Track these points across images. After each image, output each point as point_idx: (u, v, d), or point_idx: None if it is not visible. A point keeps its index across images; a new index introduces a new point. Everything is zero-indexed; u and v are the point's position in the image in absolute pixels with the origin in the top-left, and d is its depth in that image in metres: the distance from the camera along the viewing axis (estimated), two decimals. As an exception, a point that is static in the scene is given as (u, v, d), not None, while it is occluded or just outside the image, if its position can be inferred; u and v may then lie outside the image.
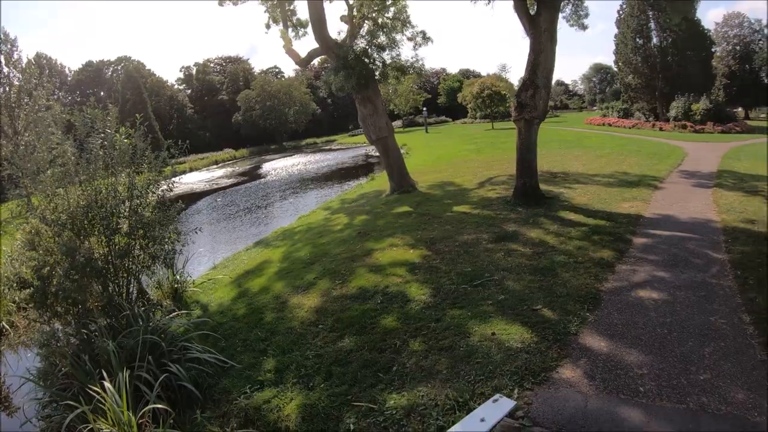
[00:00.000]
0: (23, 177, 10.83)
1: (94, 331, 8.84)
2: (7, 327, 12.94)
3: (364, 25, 23.33)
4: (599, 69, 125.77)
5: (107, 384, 7.00)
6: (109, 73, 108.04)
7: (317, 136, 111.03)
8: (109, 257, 10.07)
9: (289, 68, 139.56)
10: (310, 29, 23.00)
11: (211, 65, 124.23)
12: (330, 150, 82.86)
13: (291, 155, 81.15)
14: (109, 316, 9.46)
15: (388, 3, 23.24)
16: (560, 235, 13.21)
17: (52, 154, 10.73)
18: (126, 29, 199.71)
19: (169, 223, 11.38)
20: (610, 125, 58.56)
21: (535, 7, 17.34)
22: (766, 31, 71.38)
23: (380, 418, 6.59)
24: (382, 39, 22.92)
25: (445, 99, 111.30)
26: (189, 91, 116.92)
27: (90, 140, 10.49)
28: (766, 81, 73.15)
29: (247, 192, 41.44)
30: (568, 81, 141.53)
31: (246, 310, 11.19)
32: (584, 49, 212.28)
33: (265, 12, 25.26)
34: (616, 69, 67.46)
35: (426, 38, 24.17)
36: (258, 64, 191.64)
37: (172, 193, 11.79)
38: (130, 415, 6.77)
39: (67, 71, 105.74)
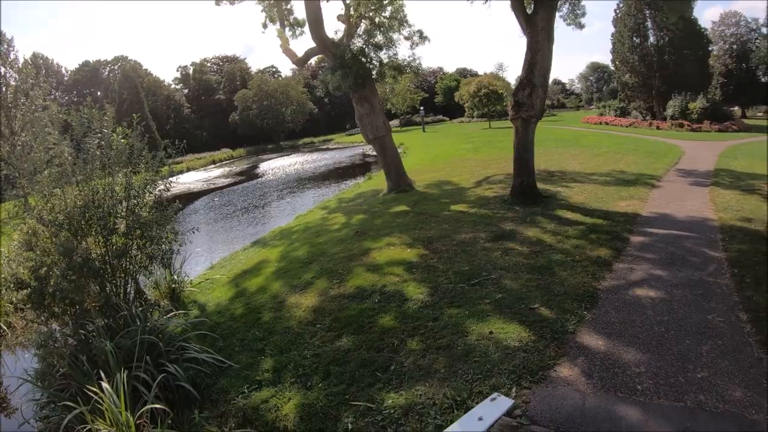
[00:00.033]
0: (20, 177, 10.79)
1: (91, 332, 8.82)
2: (5, 328, 12.91)
3: (361, 24, 23.31)
4: (596, 68, 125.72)
5: (105, 384, 6.99)
6: (106, 73, 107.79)
7: (314, 135, 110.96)
8: (107, 257, 10.05)
9: (286, 68, 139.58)
10: (307, 29, 23.01)
11: (208, 65, 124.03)
12: (327, 149, 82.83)
13: (288, 155, 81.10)
14: (107, 316, 9.43)
15: (384, 2, 23.20)
16: (557, 234, 13.22)
17: (49, 155, 10.72)
18: (123, 29, 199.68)
19: (167, 223, 11.34)
20: (607, 124, 58.64)
21: (532, 6, 17.33)
22: (763, 29, 71.48)
23: (378, 418, 6.59)
24: (379, 38, 22.91)
25: (442, 98, 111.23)
26: (186, 91, 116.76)
27: (87, 140, 10.45)
28: (762, 80, 73.24)
29: (245, 192, 41.43)
30: (565, 80, 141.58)
31: (243, 310, 11.19)
32: (581, 48, 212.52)
33: (261, 11, 25.25)
34: (613, 68, 67.46)
35: (423, 37, 24.16)
36: (255, 64, 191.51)
37: (169, 193, 11.76)
38: (128, 415, 6.76)
39: (63, 71, 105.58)
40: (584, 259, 11.23)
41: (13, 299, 11.40)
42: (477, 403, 6.27)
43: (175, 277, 13.12)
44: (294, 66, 50.04)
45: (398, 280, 11.25)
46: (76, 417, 6.91)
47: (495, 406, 5.92)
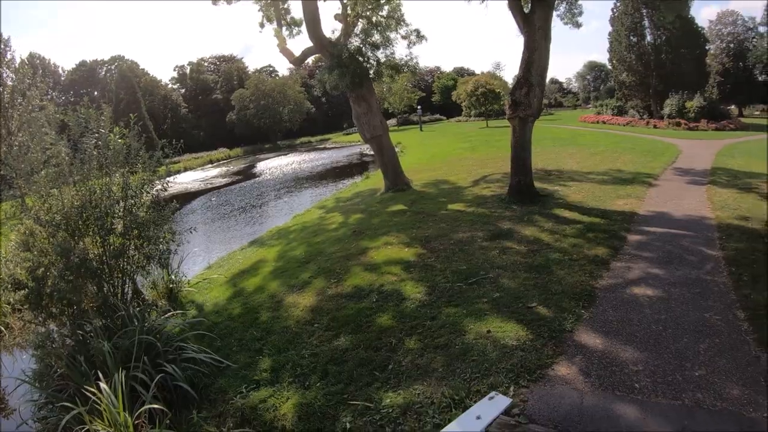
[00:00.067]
0: (17, 177, 10.79)
1: (89, 332, 8.80)
2: (3, 329, 12.90)
3: (359, 23, 23.34)
4: (593, 67, 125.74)
5: (103, 385, 6.99)
6: (103, 73, 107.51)
7: (312, 134, 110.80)
8: (104, 258, 10.03)
9: (284, 67, 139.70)
10: (304, 28, 22.97)
11: (205, 64, 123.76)
12: (325, 149, 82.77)
13: (285, 154, 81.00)
14: (105, 316, 9.41)
15: (382, 1, 23.25)
16: (555, 233, 13.23)
17: (46, 155, 10.72)
18: (120, 29, 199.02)
19: (164, 223, 11.33)
20: (604, 123, 58.71)
21: (530, 5, 17.33)
22: (759, 28, 71.59)
23: (376, 417, 6.59)
24: (377, 37, 22.94)
25: (439, 97, 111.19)
26: (183, 91, 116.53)
27: (84, 140, 10.45)
28: (759, 78, 73.39)
29: (242, 191, 41.41)
30: (562, 79, 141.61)
31: (241, 310, 11.18)
32: (578, 47, 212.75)
33: (259, 11, 25.22)
34: (610, 67, 67.75)
35: (420, 36, 24.18)
36: (252, 63, 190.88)
37: (166, 193, 11.75)
38: (126, 415, 6.76)
39: (60, 71, 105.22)
40: (582, 257, 11.24)
41: (11, 300, 11.38)
42: (475, 402, 6.28)
43: (173, 277, 13.12)
44: (291, 65, 50.16)
45: (396, 279, 11.25)
46: (75, 417, 6.92)
47: (493, 405, 5.92)
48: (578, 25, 19.43)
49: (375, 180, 28.93)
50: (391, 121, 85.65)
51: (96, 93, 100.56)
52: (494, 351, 7.61)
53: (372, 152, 28.34)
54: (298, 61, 26.76)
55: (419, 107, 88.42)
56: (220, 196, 40.54)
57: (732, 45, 73.52)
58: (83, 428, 6.77)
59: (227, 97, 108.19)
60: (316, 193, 34.70)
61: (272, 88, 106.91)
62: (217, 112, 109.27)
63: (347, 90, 22.40)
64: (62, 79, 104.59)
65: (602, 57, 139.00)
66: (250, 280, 13.33)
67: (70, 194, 10.02)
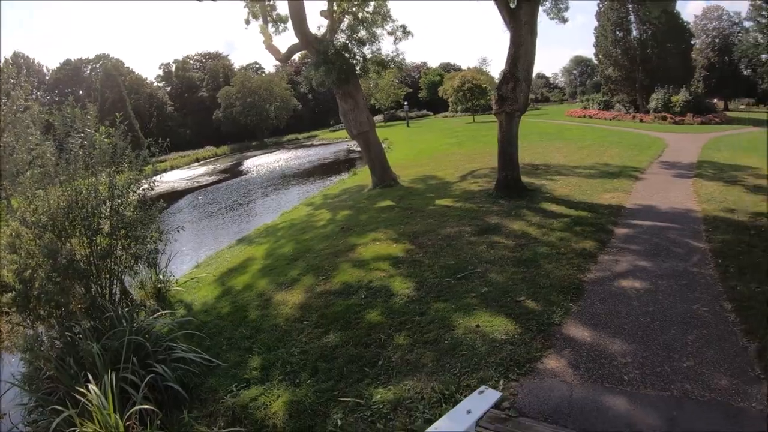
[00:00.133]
0: (2, 179, 10.68)
1: (78, 334, 8.73)
2: (-11, 331, 12.80)
3: (345, 19, 23.28)
4: (579, 62, 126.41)
5: (93, 386, 6.93)
6: (88, 72, 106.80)
7: (298, 131, 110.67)
8: (91, 258, 9.97)
9: (270, 64, 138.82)
10: (290, 24, 22.96)
11: (191, 62, 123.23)
12: (312, 145, 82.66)
13: (272, 151, 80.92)
14: (93, 317, 9.34)
15: (367, -3, 23.22)
16: (542, 227, 13.28)
17: (31, 155, 10.60)
18: (104, 27, 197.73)
19: (151, 223, 11.28)
20: (590, 117, 58.95)
21: (515, 0, 17.36)
22: (745, 23, 72.19)
23: (367, 413, 6.59)
24: (363, 33, 22.93)
25: (426, 93, 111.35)
26: (169, 89, 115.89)
27: (69, 140, 10.36)
28: (744, 73, 74.12)
29: (229, 189, 41.29)
30: (548, 74, 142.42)
31: (230, 308, 11.14)
32: (564, 42, 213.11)
33: (244, 7, 25.14)
34: (596, 61, 67.90)
35: (406, 32, 24.19)
36: (238, 61, 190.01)
37: (153, 192, 11.70)
38: (117, 417, 6.71)
39: (45, 70, 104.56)
40: (569, 251, 11.28)
41: (-2, 303, 11.30)
42: (465, 396, 6.29)
43: (161, 276, 13.06)
44: (277, 62, 49.96)
45: (384, 275, 11.24)
46: (65, 420, 6.86)
47: (483, 399, 5.93)
48: (564, 20, 19.48)
49: (362, 176, 28.89)
50: (378, 118, 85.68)
51: (81, 92, 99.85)
52: (483, 345, 7.63)
53: (359, 149, 28.30)
54: (284, 58, 26.74)
55: (406, 103, 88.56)
56: (207, 194, 40.41)
57: (717, 40, 74.33)
58: (74, 431, 6.72)
59: (213, 95, 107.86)
60: (303, 190, 34.63)
61: (258, 85, 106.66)
62: (203, 110, 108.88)
63: (334, 86, 22.33)
64: (47, 78, 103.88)
65: (588, 52, 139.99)
66: (238, 278, 13.29)
67: (56, 195, 9.94)
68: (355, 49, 22.76)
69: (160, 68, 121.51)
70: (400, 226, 14.99)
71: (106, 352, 8.01)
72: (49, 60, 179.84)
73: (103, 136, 10.61)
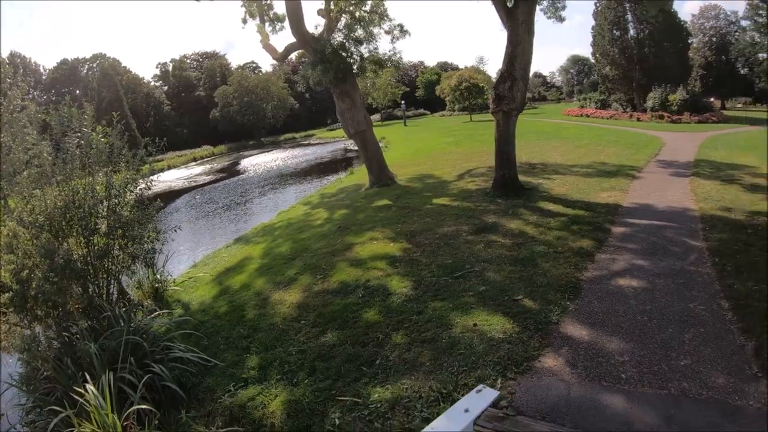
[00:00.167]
0: (-1, 179, 10.65)
1: (75, 334, 8.72)
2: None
3: (342, 18, 23.23)
4: (577, 61, 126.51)
5: (90, 387, 6.92)
6: (85, 71, 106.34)
7: (296, 131, 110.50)
8: (89, 258, 9.94)
9: (267, 63, 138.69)
10: (287, 23, 22.89)
11: (188, 61, 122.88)
12: (309, 145, 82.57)
13: (269, 151, 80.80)
14: (90, 317, 9.33)
15: (364, -4, 23.20)
16: (540, 226, 13.29)
17: (28, 155, 10.56)
18: (101, 26, 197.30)
19: (148, 222, 11.25)
20: (587, 116, 59.00)
21: (513, -1, 17.37)
22: (742, 22, 72.29)
23: (365, 412, 6.60)
24: (360, 32, 22.88)
25: (423, 92, 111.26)
26: (166, 88, 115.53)
27: (66, 140, 10.32)
28: (741, 72, 74.25)
29: (226, 189, 41.24)
30: (545, 73, 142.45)
31: (228, 308, 11.14)
32: (562, 41, 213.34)
33: (241, 6, 25.09)
34: (593, 60, 68.06)
35: (403, 31, 24.15)
36: (235, 60, 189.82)
37: (150, 192, 11.66)
38: (115, 417, 6.70)
39: (41, 70, 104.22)
40: (566, 250, 11.30)
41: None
42: (463, 395, 6.30)
43: (158, 276, 13.05)
44: (274, 61, 49.99)
45: (382, 274, 11.25)
46: (63, 420, 6.86)
47: (481, 398, 5.94)
48: (561, 19, 19.47)
49: (359, 175, 28.90)
50: (375, 117, 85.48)
51: (78, 92, 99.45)
52: (481, 344, 7.64)
53: (356, 148, 28.25)
54: (281, 57, 26.71)
55: (403, 102, 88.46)
56: (205, 193, 40.37)
57: (714, 39, 74.38)
58: (71, 431, 6.72)
59: (210, 94, 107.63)
60: (300, 190, 34.58)
61: (255, 84, 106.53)
62: (200, 110, 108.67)
63: (331, 85, 22.34)
64: (43, 78, 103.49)
65: (585, 51, 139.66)
66: (235, 277, 13.28)
67: (53, 195, 9.90)
68: (353, 48, 22.74)
69: (157, 67, 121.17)
70: (398, 225, 14.99)
71: (104, 352, 8.00)
72: (46, 59, 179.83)
73: (100, 135, 10.58)
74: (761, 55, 69.22)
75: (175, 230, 12.61)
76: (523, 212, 14.82)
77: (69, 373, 7.93)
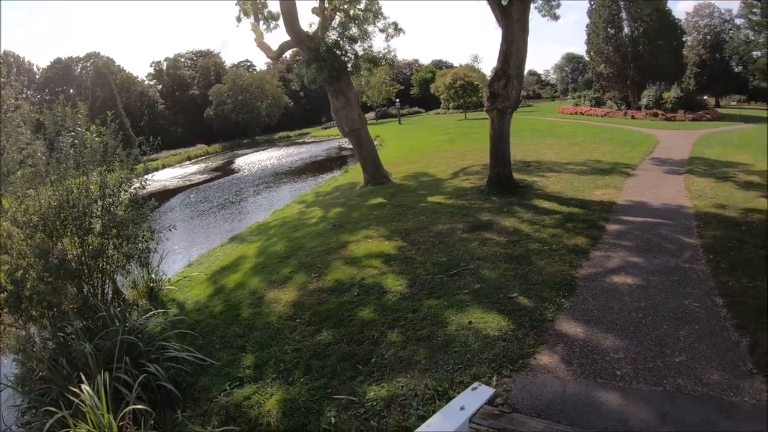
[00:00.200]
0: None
1: (70, 334, 8.68)
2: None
3: (336, 17, 23.23)
4: (571, 59, 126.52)
5: (86, 387, 6.90)
6: (79, 70, 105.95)
7: (290, 129, 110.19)
8: (83, 258, 9.89)
9: (261, 61, 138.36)
10: (281, 22, 22.86)
11: (182, 60, 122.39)
12: (303, 143, 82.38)
13: (264, 149, 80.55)
14: (85, 317, 9.29)
15: (359, -6, 23.17)
16: (534, 223, 13.31)
17: (22, 155, 10.51)
18: (95, 25, 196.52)
19: (143, 222, 11.21)
20: (582, 114, 58.97)
21: (507, -3, 17.36)
22: (736, 20, 72.48)
23: (361, 410, 6.60)
24: (354, 31, 22.86)
25: (417, 90, 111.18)
26: (160, 87, 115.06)
27: (60, 139, 10.28)
28: (736, 70, 74.44)
29: (221, 187, 41.15)
30: (540, 71, 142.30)
31: (223, 307, 11.12)
32: (556, 39, 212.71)
33: (236, 5, 25.05)
34: (588, 58, 68.35)
35: (398, 29, 24.13)
36: (229, 58, 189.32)
37: (144, 191, 11.64)
38: (110, 417, 6.69)
39: (35, 69, 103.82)
40: (561, 247, 11.32)
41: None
42: (458, 392, 6.31)
43: (153, 275, 13.00)
44: (269, 60, 49.94)
45: (377, 272, 11.25)
46: (58, 421, 6.84)
47: (476, 396, 5.95)
48: (556, 17, 19.46)
49: (354, 174, 28.85)
50: (370, 115, 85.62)
51: (72, 91, 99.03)
52: (476, 342, 7.65)
53: (351, 146, 28.22)
54: (275, 56, 26.67)
55: (398, 100, 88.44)
56: (199, 192, 40.29)
57: (709, 37, 74.55)
58: (67, 431, 6.70)
59: (204, 93, 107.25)
60: (295, 188, 34.55)
61: (250, 82, 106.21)
62: (194, 108, 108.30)
63: (325, 84, 22.32)
64: (37, 77, 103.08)
65: (580, 49, 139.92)
66: (230, 276, 13.26)
67: (47, 194, 9.86)
68: (347, 47, 22.74)
69: (151, 66, 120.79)
70: (392, 224, 14.99)
71: (99, 352, 7.98)
72: (40, 59, 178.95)
73: (94, 134, 10.53)
74: (755, 53, 69.42)
75: (170, 229, 12.58)
76: (518, 210, 14.84)
77: (64, 373, 7.90)
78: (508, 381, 6.61)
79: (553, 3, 19.12)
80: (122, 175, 10.89)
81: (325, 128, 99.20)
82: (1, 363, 11.02)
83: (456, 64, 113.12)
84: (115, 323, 8.66)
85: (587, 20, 60.09)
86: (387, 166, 25.22)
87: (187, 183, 48.50)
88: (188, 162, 76.90)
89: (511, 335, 7.73)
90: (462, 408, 5.68)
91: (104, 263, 10.42)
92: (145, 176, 11.67)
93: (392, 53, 24.16)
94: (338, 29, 22.93)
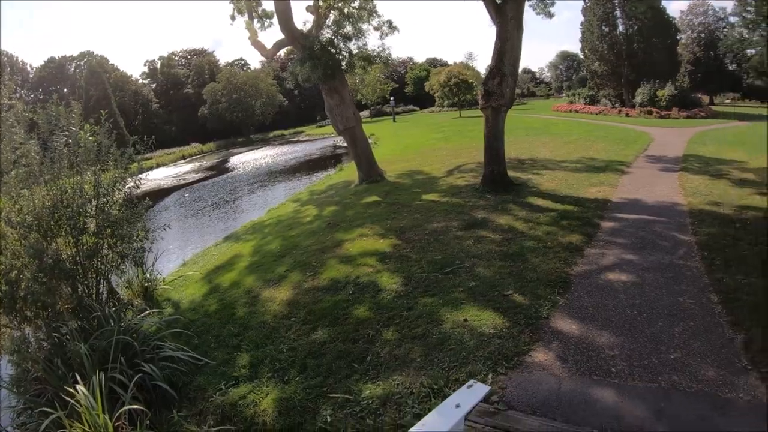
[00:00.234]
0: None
1: (65, 334, 8.66)
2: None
3: (330, 15, 23.18)
4: (566, 56, 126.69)
5: (81, 387, 6.88)
6: (72, 69, 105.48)
7: (285, 127, 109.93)
8: (77, 258, 9.87)
9: (255, 60, 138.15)
10: (275, 20, 22.78)
11: (176, 58, 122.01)
12: (298, 142, 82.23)
13: (258, 148, 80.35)
14: (80, 318, 9.27)
15: (353, -8, 23.14)
16: (529, 221, 13.32)
17: (16, 155, 10.47)
18: (88, 24, 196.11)
19: (137, 221, 11.18)
20: (576, 112, 59.13)
21: (501, -5, 17.34)
22: (730, 19, 72.66)
23: (357, 409, 6.61)
24: (348, 29, 22.83)
25: (412, 88, 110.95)
26: (154, 86, 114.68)
27: (54, 138, 10.26)
28: (730, 68, 74.70)
29: (215, 186, 41.07)
30: (535, 69, 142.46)
31: (218, 306, 11.11)
32: (551, 37, 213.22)
33: (230, 3, 24.95)
34: (582, 56, 68.32)
35: (392, 27, 24.11)
36: (223, 57, 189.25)
37: (139, 190, 11.59)
38: (106, 417, 6.67)
39: (28, 68, 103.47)
40: (556, 245, 11.34)
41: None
42: (454, 390, 6.29)
43: (148, 275, 12.97)
44: (263, 58, 49.75)
45: (372, 270, 11.25)
46: (54, 422, 6.82)
47: (472, 393, 5.93)
48: (550, 15, 19.47)
49: (349, 172, 28.85)
50: (364, 113, 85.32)
51: (65, 90, 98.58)
52: (471, 339, 7.66)
53: (345, 144, 28.21)
54: (270, 54, 26.58)
55: (392, 98, 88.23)
56: (194, 192, 40.21)
57: (703, 35, 74.73)
58: (63, 432, 6.69)
59: (199, 92, 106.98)
60: (290, 187, 34.50)
61: (244, 81, 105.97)
62: (188, 107, 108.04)
63: (320, 82, 22.29)
64: (30, 76, 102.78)
65: (574, 47, 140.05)
66: (225, 275, 13.25)
67: (41, 194, 9.83)
68: (341, 45, 22.71)
69: (145, 65, 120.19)
70: (387, 222, 14.99)
71: (94, 352, 7.96)
72: (33, 58, 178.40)
73: (88, 134, 10.50)
74: (749, 51, 69.62)
75: (165, 229, 12.59)
76: (513, 208, 14.85)
77: (59, 374, 7.88)
78: (504, 378, 6.62)
79: (548, 1, 19.13)
80: (116, 175, 10.86)
81: (320, 126, 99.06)
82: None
83: (450, 62, 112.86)
84: (110, 323, 8.64)
85: (582, 18, 60.28)
86: (382, 165, 25.21)
87: (182, 182, 48.39)
88: (183, 161, 76.68)
89: (507, 333, 7.74)
90: (458, 406, 5.66)
91: (99, 263, 10.39)
92: (140, 175, 11.62)
93: (387, 51, 24.17)
94: (333, 27, 22.87)
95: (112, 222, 10.45)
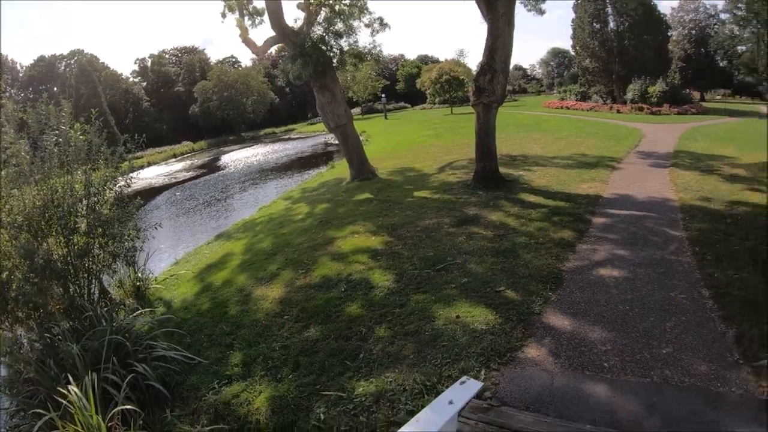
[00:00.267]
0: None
1: (57, 335, 8.61)
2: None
3: (321, 12, 23.14)
4: (557, 53, 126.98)
5: (73, 388, 6.84)
6: (62, 68, 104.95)
7: (276, 125, 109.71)
8: (69, 258, 9.82)
9: (246, 57, 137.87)
10: (266, 17, 22.73)
11: (167, 56, 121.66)
12: (289, 139, 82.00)
13: (250, 146, 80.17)
14: (72, 318, 9.23)
15: (344, -11, 23.11)
16: (521, 217, 13.33)
17: (5, 154, 10.41)
18: (78, 22, 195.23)
19: (129, 220, 11.16)
20: (568, 108, 59.18)
21: (493, -9, 17.33)
22: (721, 15, 73.05)
23: (350, 406, 6.60)
24: (339, 26, 22.82)
25: (403, 85, 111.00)
26: (144, 84, 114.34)
27: (44, 138, 10.21)
28: (720, 64, 75.12)
29: (207, 185, 40.94)
30: (526, 65, 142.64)
31: (210, 305, 11.08)
32: (542, 34, 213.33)
33: (220, 0, 24.89)
34: (573, 53, 68.52)
35: (383, 24, 24.11)
36: (214, 54, 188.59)
37: (130, 189, 11.56)
38: (99, 418, 6.64)
39: (18, 67, 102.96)
40: (548, 241, 11.35)
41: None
42: (447, 387, 6.29)
43: (140, 274, 12.94)
44: (254, 56, 49.64)
45: (364, 268, 11.24)
46: (47, 423, 6.78)
47: (465, 390, 5.93)
48: (541, 12, 19.49)
49: (340, 169, 28.82)
50: (356, 110, 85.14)
51: (55, 89, 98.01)
52: (464, 336, 7.66)
53: (337, 142, 28.15)
54: (261, 51, 26.53)
55: (383, 95, 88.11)
56: (185, 190, 40.06)
57: (694, 31, 75.17)
58: (56, 433, 6.65)
59: (190, 90, 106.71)
60: (281, 185, 34.40)
61: (235, 79, 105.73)
62: (179, 105, 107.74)
63: (311, 79, 22.25)
64: (20, 75, 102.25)
65: (566, 43, 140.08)
66: (217, 274, 13.22)
67: (32, 194, 9.78)
68: (332, 42, 22.69)
69: (135, 63, 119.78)
70: (379, 219, 14.99)
71: (86, 352, 7.92)
72: (23, 57, 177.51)
73: (79, 133, 10.46)
74: (740, 48, 70.06)
75: (156, 228, 12.53)
76: (504, 204, 14.86)
77: (52, 374, 7.85)
78: (497, 374, 6.63)
79: (539, -2, 19.16)
80: (107, 174, 10.83)
81: (311, 124, 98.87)
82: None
83: (442, 59, 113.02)
84: (102, 323, 8.60)
85: (573, 15, 60.26)
86: (373, 162, 25.21)
87: (173, 180, 48.19)
88: (174, 159, 76.38)
89: (499, 329, 7.74)
90: (451, 402, 5.66)
91: (90, 263, 10.36)
92: (130, 174, 11.59)
93: (378, 48, 24.19)
94: (323, 24, 22.84)
95: (103, 221, 10.42)
